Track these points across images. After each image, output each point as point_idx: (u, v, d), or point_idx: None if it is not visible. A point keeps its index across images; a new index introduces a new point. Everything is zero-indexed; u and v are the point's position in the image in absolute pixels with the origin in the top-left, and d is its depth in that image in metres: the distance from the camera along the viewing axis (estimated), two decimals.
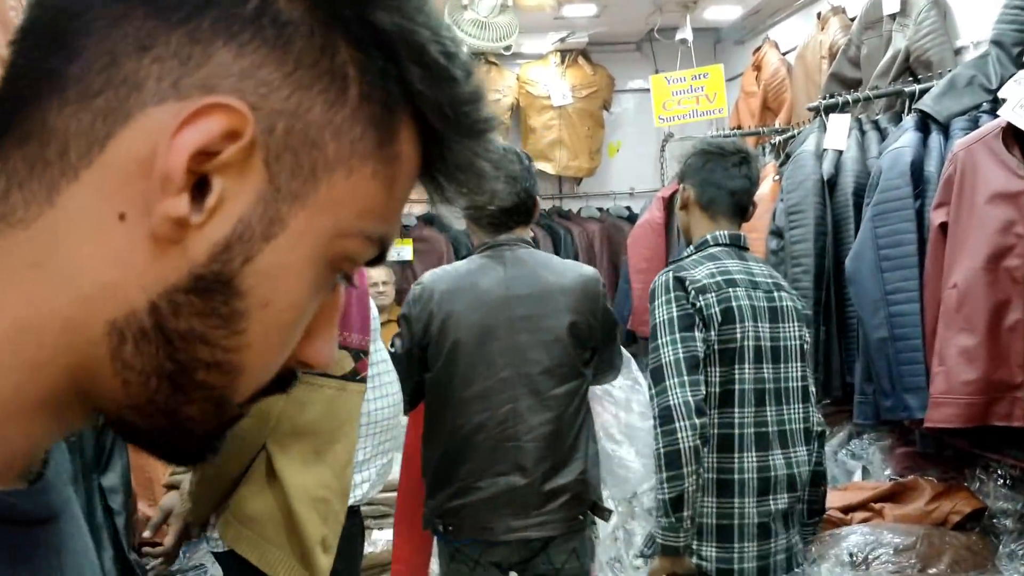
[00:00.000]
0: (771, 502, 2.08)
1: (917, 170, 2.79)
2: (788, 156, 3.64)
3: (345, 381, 1.90)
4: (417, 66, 0.49)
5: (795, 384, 2.16)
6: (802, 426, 2.17)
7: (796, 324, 2.18)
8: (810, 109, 3.70)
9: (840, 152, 3.45)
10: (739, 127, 5.17)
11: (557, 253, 5.80)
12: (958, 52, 3.40)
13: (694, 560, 2.09)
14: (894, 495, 2.84)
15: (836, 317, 3.26)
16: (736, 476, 2.07)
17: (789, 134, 4.23)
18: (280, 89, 0.46)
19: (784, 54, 5.12)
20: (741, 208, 2.23)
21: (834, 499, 3.00)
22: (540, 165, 6.02)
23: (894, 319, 2.70)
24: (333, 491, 1.90)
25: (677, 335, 2.04)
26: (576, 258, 5.78)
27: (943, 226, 2.57)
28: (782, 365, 2.13)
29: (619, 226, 6.11)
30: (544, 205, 6.25)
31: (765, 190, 3.98)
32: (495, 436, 2.26)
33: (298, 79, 0.46)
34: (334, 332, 0.54)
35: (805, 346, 2.22)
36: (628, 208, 6.28)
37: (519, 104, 6.13)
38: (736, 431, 2.07)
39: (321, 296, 0.51)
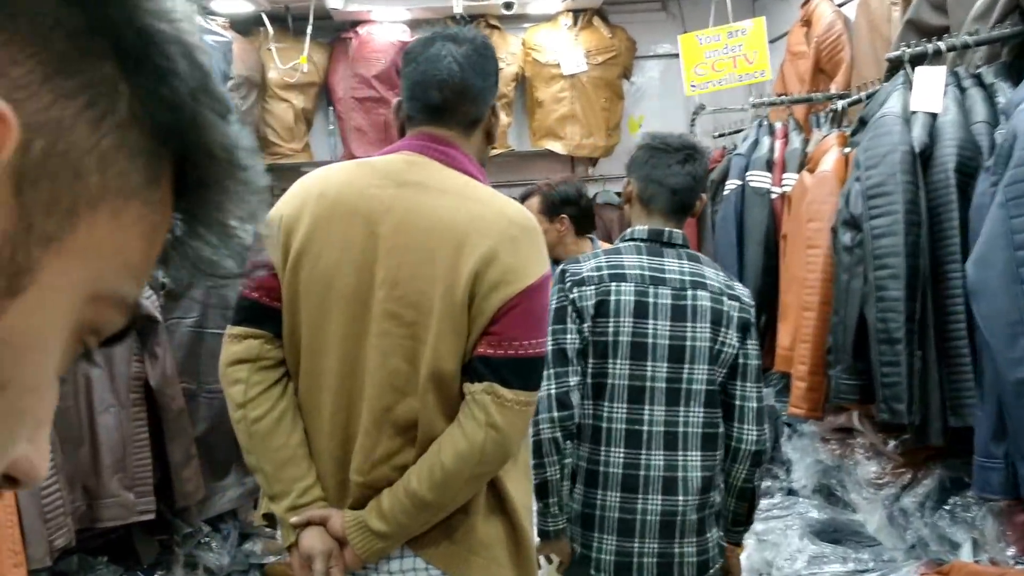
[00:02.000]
0: (639, 500, 2.10)
1: None
2: (863, 122, 2.78)
3: None
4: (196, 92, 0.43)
5: (698, 387, 2.13)
6: (700, 430, 2.13)
7: (712, 326, 2.13)
8: (889, 60, 2.84)
9: (934, 116, 2.60)
10: (785, 94, 4.31)
11: None
12: None
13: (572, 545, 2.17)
14: None
15: (936, 338, 2.41)
16: (601, 468, 2.11)
17: (854, 98, 3.37)
18: (39, 95, 0.38)
19: (839, 5, 4.26)
20: (682, 205, 2.21)
21: None
22: (549, 144, 5.19)
23: None
24: (531, 495, 1.92)
25: (550, 328, 2.05)
26: None
27: None
28: (684, 365, 2.11)
29: None
30: None
31: (827, 167, 3.13)
32: None
33: (60, 86, 0.38)
34: (47, 435, 0.44)
35: (721, 350, 2.14)
36: None
37: (524, 74, 5.30)
38: (605, 424, 2.11)
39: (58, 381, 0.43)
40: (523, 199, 3.44)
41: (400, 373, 1.68)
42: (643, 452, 2.09)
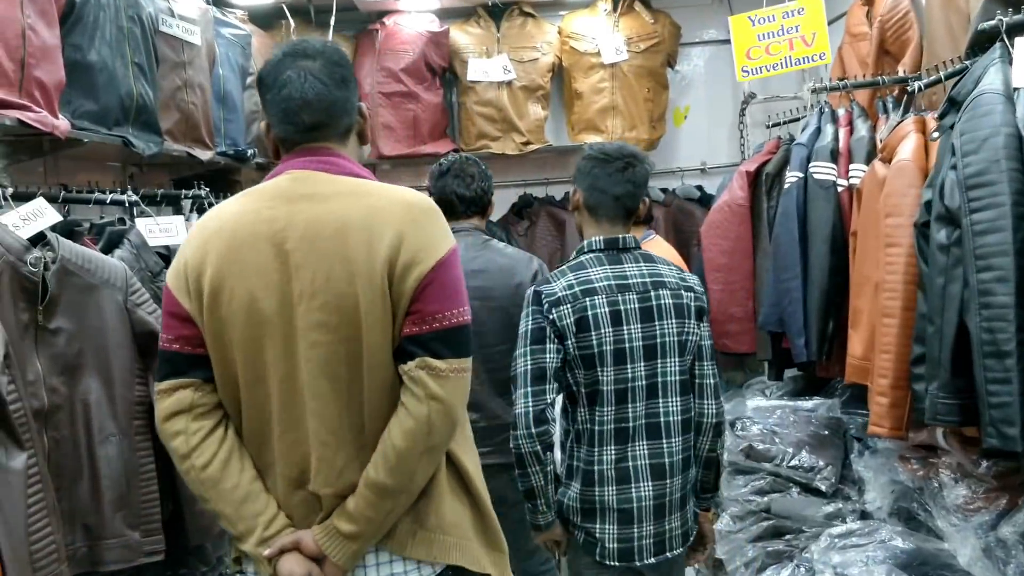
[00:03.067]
0: (632, 490, 2.31)
1: None
2: (952, 102, 2.45)
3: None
4: None
5: (672, 379, 2.35)
6: (679, 418, 2.36)
7: (677, 320, 2.35)
8: (983, 32, 2.50)
9: None
10: (844, 78, 3.96)
11: None
12: None
13: (575, 532, 2.39)
14: None
15: None
16: (596, 467, 2.32)
17: (933, 78, 3.03)
18: None
19: None
20: (626, 210, 2.42)
21: None
22: (589, 138, 4.87)
23: None
24: (479, 464, 1.95)
25: (528, 348, 2.29)
26: None
27: None
28: (658, 361, 2.33)
29: (688, 210, 4.99)
30: None
31: (906, 155, 2.80)
32: None
33: None
34: None
35: (687, 340, 2.37)
36: (699, 188, 5.14)
37: (562, 63, 4.99)
38: (598, 427, 2.31)
39: None
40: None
41: (341, 378, 1.73)
42: (629, 445, 2.31)
